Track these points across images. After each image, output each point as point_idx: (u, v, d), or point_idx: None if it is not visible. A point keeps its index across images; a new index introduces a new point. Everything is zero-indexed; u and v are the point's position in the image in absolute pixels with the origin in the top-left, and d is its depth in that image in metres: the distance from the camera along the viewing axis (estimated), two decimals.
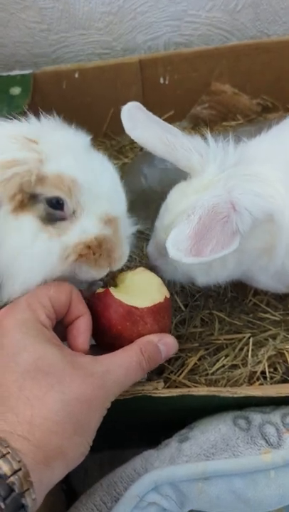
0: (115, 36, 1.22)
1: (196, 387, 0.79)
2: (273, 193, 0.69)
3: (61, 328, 0.67)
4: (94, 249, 0.66)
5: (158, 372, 0.85)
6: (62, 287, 0.65)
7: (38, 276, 0.64)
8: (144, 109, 0.78)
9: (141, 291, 0.70)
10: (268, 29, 1.23)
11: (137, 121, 0.77)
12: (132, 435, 0.93)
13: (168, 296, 0.71)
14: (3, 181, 0.62)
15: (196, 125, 1.24)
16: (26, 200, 0.64)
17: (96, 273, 0.68)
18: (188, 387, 0.79)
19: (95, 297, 0.69)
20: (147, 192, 1.02)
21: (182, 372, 0.84)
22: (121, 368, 0.61)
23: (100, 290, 0.69)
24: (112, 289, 0.68)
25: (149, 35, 1.23)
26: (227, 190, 0.68)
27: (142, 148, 1.20)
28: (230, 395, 0.67)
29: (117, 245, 0.68)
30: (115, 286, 0.71)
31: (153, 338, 0.66)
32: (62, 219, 0.66)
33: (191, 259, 0.63)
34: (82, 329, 0.65)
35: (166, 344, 0.67)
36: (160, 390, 0.68)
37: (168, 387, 0.80)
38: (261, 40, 1.20)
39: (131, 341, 0.66)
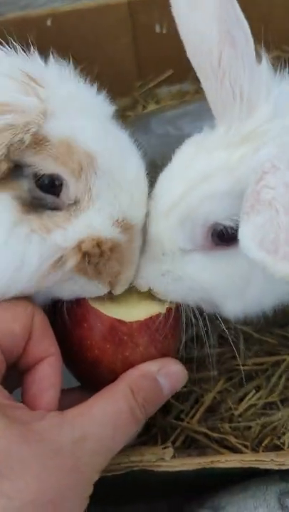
0: None
1: (217, 441, 0.63)
2: None
3: (14, 374, 0.49)
4: (103, 252, 0.50)
5: (162, 415, 0.68)
6: (18, 309, 0.48)
7: (10, 290, 0.48)
8: None
9: (139, 297, 0.55)
10: None
11: None
12: (129, 494, 0.74)
13: (174, 305, 0.55)
14: None
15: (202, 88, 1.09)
16: (8, 169, 0.47)
17: (94, 289, 0.51)
18: (207, 438, 0.63)
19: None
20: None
21: (196, 412, 0.68)
22: (104, 428, 0.45)
23: None
24: None
25: None
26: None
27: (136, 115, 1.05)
28: (276, 467, 0.46)
29: (128, 263, 0.53)
30: None
31: (149, 367, 0.50)
32: (55, 208, 0.50)
33: None
34: (46, 384, 0.48)
35: (169, 375, 0.51)
36: (168, 462, 0.47)
37: (176, 439, 0.62)
38: None
39: (114, 372, 0.51)
